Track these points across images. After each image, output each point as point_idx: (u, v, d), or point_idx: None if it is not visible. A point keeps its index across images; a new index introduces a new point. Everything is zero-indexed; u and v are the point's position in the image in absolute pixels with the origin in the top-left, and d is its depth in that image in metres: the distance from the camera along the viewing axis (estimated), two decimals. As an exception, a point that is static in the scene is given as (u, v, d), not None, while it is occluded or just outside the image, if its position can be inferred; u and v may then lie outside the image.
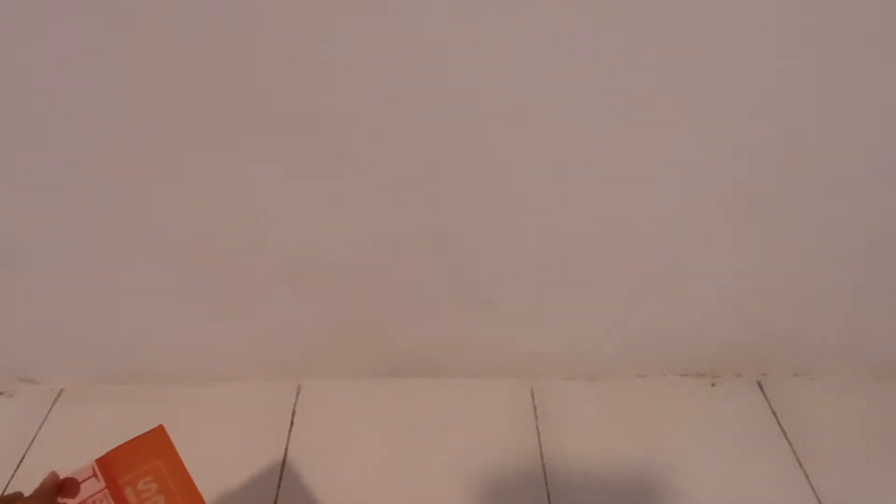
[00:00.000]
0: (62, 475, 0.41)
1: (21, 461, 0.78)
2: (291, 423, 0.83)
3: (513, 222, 0.67)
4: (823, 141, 0.59)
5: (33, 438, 0.81)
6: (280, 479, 0.76)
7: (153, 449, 0.44)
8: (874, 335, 0.82)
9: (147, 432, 0.45)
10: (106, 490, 0.41)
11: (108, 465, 0.42)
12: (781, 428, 0.81)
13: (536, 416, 0.83)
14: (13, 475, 0.77)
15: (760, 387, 0.87)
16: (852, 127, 0.58)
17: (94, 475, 0.42)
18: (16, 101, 0.55)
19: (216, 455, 0.70)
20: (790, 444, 0.79)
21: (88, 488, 0.41)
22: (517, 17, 0.49)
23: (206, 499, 0.46)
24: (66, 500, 0.40)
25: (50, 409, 0.85)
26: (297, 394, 0.87)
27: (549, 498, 0.74)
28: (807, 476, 0.76)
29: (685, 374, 0.88)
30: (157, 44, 0.51)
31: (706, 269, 0.73)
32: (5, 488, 0.75)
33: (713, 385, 0.88)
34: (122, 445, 0.43)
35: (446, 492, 0.75)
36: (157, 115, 0.56)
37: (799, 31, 0.51)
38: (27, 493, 0.39)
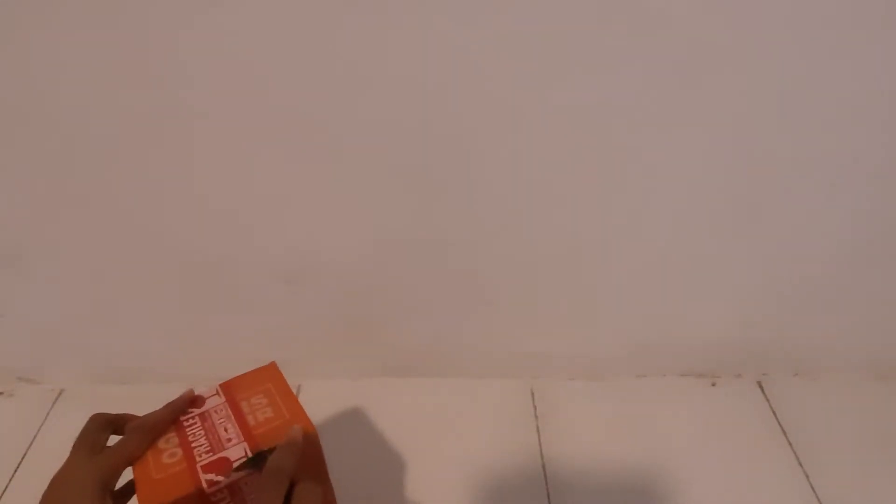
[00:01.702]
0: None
1: (21, 461, 0.78)
2: (291, 423, 0.83)
3: (513, 223, 0.67)
4: (824, 142, 0.59)
5: (33, 438, 0.81)
6: (280, 479, 0.76)
7: (266, 377, 0.53)
8: (874, 335, 0.82)
9: (261, 367, 0.55)
10: (225, 402, 0.50)
11: (227, 387, 0.52)
12: (781, 428, 0.81)
13: (536, 416, 0.83)
14: (13, 475, 0.77)
15: (760, 387, 0.87)
16: (853, 128, 0.58)
17: (217, 393, 0.52)
18: (17, 103, 0.55)
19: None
20: (790, 443, 0.79)
21: (211, 402, 0.51)
22: (517, 14, 0.49)
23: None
24: (193, 409, 0.50)
25: (50, 409, 0.85)
26: (297, 394, 0.87)
27: (549, 498, 0.74)
28: (807, 476, 0.76)
29: (685, 374, 0.88)
30: (154, 43, 0.51)
31: (706, 269, 0.73)
32: (5, 488, 0.75)
33: (713, 385, 0.88)
34: (240, 375, 0.54)
35: (446, 492, 0.75)
36: (157, 116, 0.56)
37: (799, 33, 0.51)
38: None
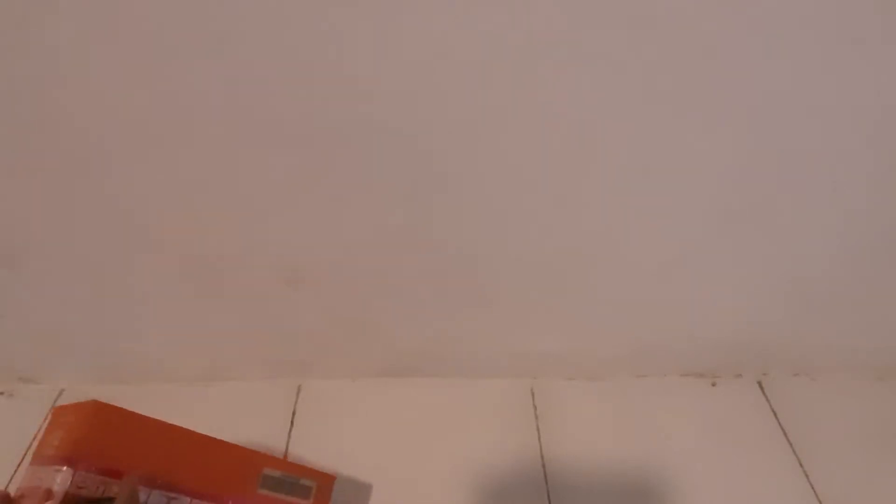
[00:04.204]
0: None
1: (21, 461, 0.78)
2: (291, 423, 0.83)
3: (513, 223, 0.67)
4: (823, 143, 0.59)
5: (33, 438, 0.81)
6: (280, 479, 0.76)
7: (61, 417, 0.52)
8: (874, 335, 0.82)
9: (50, 419, 0.52)
10: (31, 470, 0.49)
11: (32, 460, 0.50)
12: (781, 428, 0.81)
13: (536, 416, 0.83)
14: (13, 475, 0.77)
15: (760, 387, 0.87)
16: (852, 129, 0.58)
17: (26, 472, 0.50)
18: (16, 103, 0.55)
19: (216, 455, 0.70)
20: (790, 444, 0.79)
21: (23, 481, 0.49)
22: (516, 14, 0.49)
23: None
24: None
25: (50, 410, 0.85)
26: (297, 394, 0.87)
27: (549, 498, 0.74)
28: (807, 476, 0.76)
29: (685, 374, 0.88)
30: (153, 43, 0.51)
31: (706, 269, 0.73)
32: (5, 488, 0.75)
33: (713, 385, 0.88)
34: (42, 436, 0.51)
35: (446, 492, 0.75)
36: (156, 115, 0.56)
37: (800, 33, 0.51)
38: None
